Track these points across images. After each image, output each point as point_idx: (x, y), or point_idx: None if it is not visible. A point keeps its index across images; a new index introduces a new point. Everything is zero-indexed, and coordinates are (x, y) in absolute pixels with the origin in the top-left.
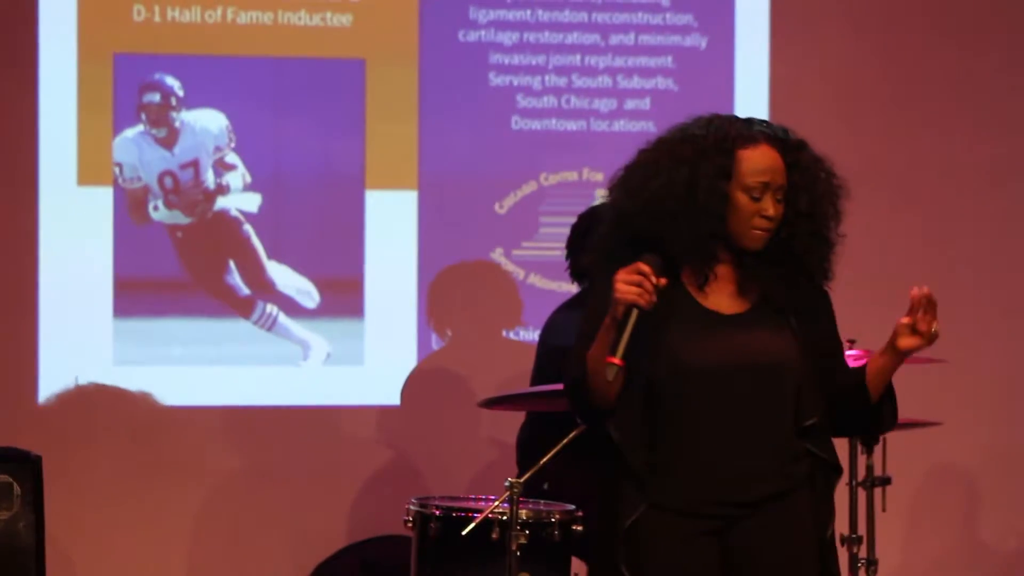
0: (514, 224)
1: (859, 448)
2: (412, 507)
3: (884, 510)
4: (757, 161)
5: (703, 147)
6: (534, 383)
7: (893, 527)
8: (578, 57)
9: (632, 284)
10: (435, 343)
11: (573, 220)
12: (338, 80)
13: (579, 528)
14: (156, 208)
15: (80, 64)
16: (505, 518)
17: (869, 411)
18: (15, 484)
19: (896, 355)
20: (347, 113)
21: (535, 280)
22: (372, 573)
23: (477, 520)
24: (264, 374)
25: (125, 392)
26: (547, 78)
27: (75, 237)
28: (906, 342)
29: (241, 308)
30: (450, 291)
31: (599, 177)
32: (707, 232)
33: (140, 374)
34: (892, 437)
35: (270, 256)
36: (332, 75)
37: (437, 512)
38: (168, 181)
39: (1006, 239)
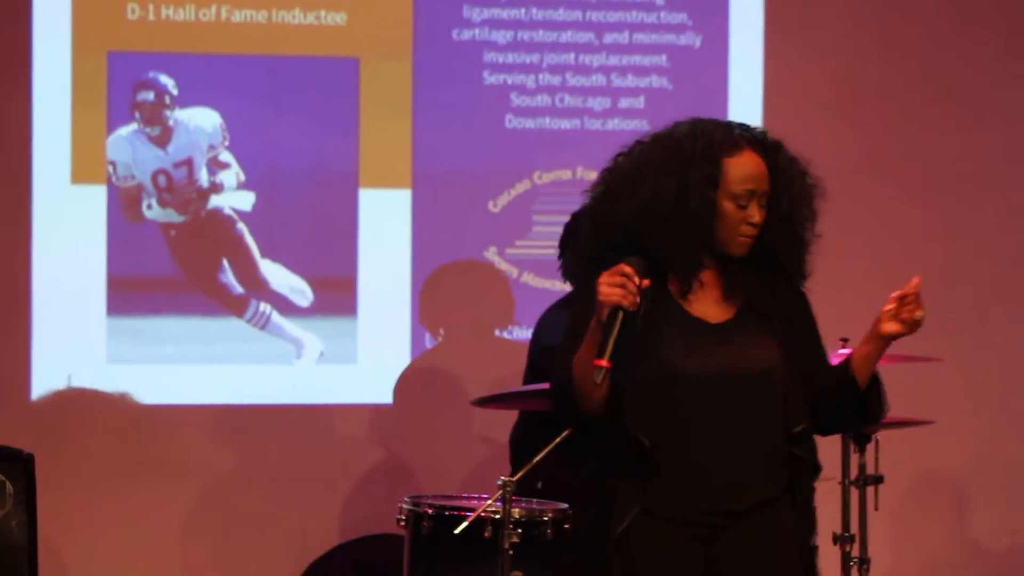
0: (508, 223)
1: (851, 447)
2: (405, 506)
3: (876, 509)
4: (743, 169)
5: (690, 155)
6: (527, 382)
7: (885, 526)
8: (572, 56)
9: (615, 286)
10: (428, 342)
11: (566, 219)
12: (332, 78)
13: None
14: (150, 206)
15: (74, 62)
16: (498, 517)
17: (857, 401)
18: (8, 483)
19: (880, 341)
20: (341, 111)
21: (528, 279)
22: (365, 572)
23: (470, 519)
24: (257, 373)
25: (118, 390)
26: (541, 77)
27: (68, 235)
28: (889, 327)
29: (234, 306)
30: (443, 290)
31: (593, 176)
32: (697, 240)
33: (133, 372)
34: (884, 436)
35: (263, 254)
36: (326, 73)
37: (430, 511)
38: (162, 179)
39: (1001, 237)
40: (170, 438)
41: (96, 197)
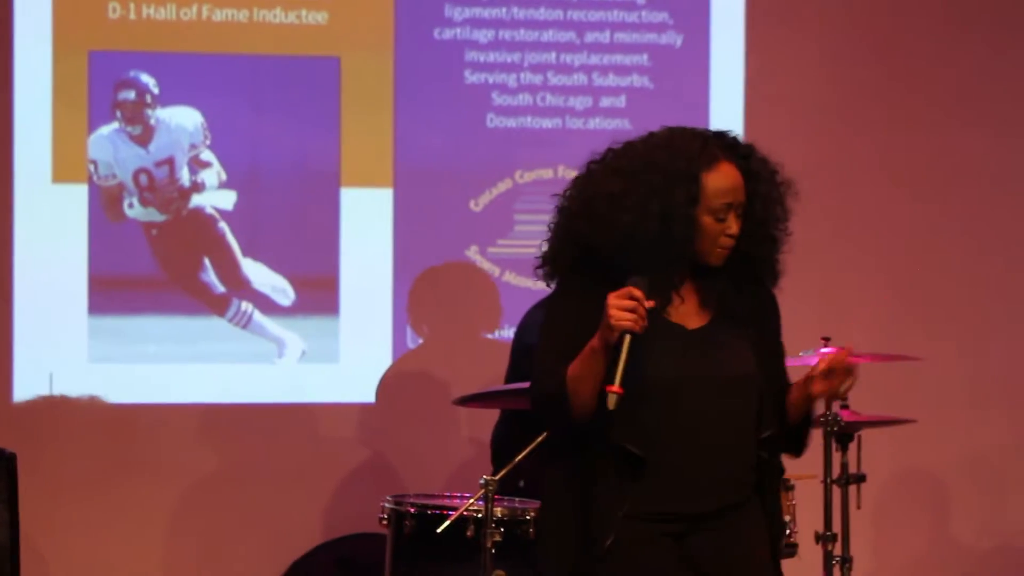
0: (489, 222)
1: (834, 445)
2: (387, 505)
3: (859, 508)
4: (721, 183)
5: (670, 175)
6: (509, 381)
7: (868, 525)
8: (553, 55)
9: (627, 310)
10: (410, 341)
11: (548, 218)
12: (313, 78)
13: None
14: (131, 205)
15: (55, 61)
16: (480, 516)
17: (786, 431)
18: None
19: (808, 395)
20: (322, 111)
21: (510, 278)
22: (347, 570)
23: (452, 518)
24: (239, 372)
25: (100, 389)
26: (522, 76)
27: (50, 234)
28: (818, 388)
29: (216, 306)
30: (427, 289)
31: (574, 175)
32: (681, 260)
33: (115, 371)
34: (867, 435)
35: (245, 253)
36: (307, 73)
37: (412, 510)
38: (143, 178)
39: (984, 240)
40: (152, 437)
41: (77, 196)
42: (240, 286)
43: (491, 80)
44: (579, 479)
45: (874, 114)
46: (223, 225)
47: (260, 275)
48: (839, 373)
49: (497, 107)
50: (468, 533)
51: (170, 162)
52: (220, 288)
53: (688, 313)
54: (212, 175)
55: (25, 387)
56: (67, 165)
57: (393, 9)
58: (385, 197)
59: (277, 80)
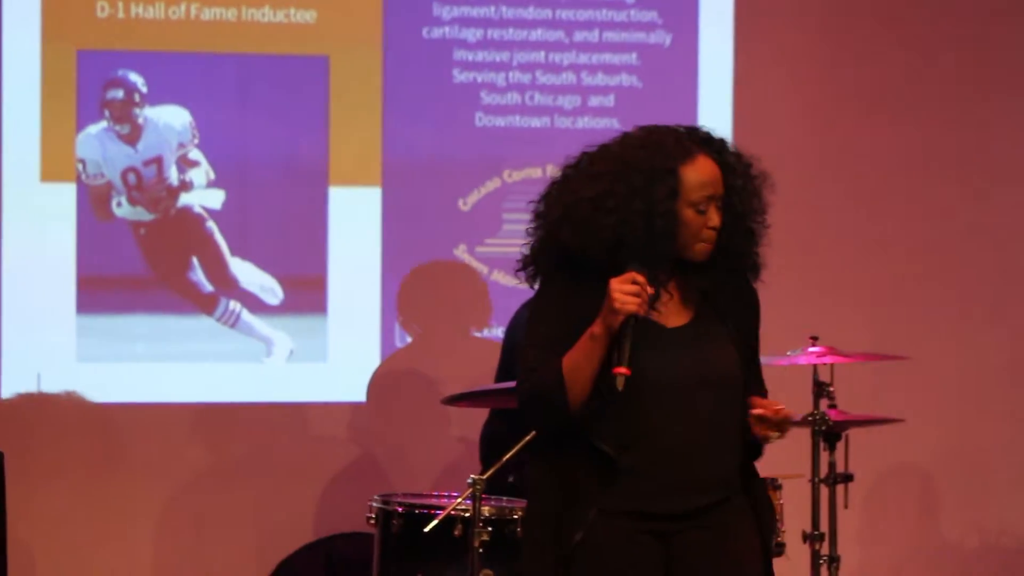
0: (477, 221)
1: (821, 445)
2: (375, 504)
3: (846, 507)
4: (700, 175)
5: (649, 171)
6: (498, 380)
7: (855, 524)
8: (542, 54)
9: (631, 295)
10: (399, 340)
11: None
12: (302, 77)
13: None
14: (119, 204)
15: (43, 60)
16: (468, 515)
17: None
18: None
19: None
20: (311, 110)
21: (499, 277)
22: (335, 569)
23: (439, 517)
24: (227, 371)
25: (88, 388)
26: (511, 75)
27: (38, 233)
28: (757, 430)
29: (204, 305)
30: (416, 288)
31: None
32: (665, 255)
33: (103, 370)
34: (854, 434)
35: (233, 253)
36: (296, 72)
37: (400, 509)
38: (131, 177)
39: (967, 237)
40: (140, 436)
41: (66, 195)
42: (228, 285)
43: (480, 79)
44: (560, 479)
45: (863, 112)
46: (211, 224)
47: (248, 274)
48: (769, 425)
49: (486, 106)
50: (456, 532)
51: (158, 161)
52: (208, 287)
53: (671, 311)
54: (200, 174)
55: (13, 386)
56: (55, 164)
57: (382, 8)
58: (373, 196)
59: (266, 79)
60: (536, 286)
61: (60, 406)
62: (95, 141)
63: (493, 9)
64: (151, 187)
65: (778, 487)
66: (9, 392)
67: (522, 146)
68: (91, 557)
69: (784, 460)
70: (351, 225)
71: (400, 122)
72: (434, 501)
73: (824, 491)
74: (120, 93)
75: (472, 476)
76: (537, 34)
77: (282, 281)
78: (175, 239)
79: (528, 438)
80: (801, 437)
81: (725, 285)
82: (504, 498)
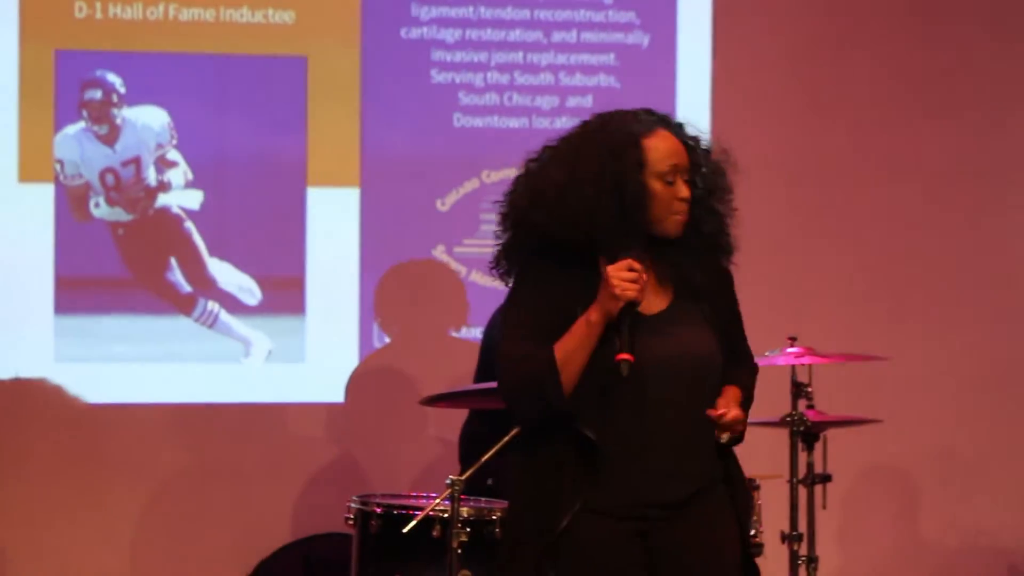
0: (456, 221)
1: (799, 445)
2: (353, 505)
3: (824, 507)
4: (664, 144)
5: (613, 147)
6: (477, 380)
7: (834, 524)
8: (520, 54)
9: (630, 281)
10: (377, 340)
11: None
12: (280, 77)
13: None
14: (97, 205)
15: (21, 60)
16: (446, 516)
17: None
18: None
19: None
20: (289, 110)
21: (477, 277)
22: (314, 570)
23: (418, 518)
24: (205, 371)
25: (66, 389)
26: (489, 75)
27: (16, 234)
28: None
29: (182, 305)
30: (394, 289)
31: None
32: (637, 231)
33: (81, 371)
34: (832, 434)
35: (211, 253)
36: (274, 72)
37: (378, 510)
38: (110, 178)
39: (948, 237)
40: (118, 437)
41: (44, 196)
42: (206, 286)
43: (458, 79)
44: (542, 471)
45: (841, 112)
46: (189, 225)
47: (226, 274)
48: (720, 427)
49: (464, 107)
50: (434, 533)
51: (136, 162)
52: (187, 288)
53: (649, 295)
54: (178, 175)
55: None
56: (33, 165)
57: (360, 8)
58: (352, 196)
59: (244, 79)
60: (510, 282)
61: (38, 406)
62: (73, 142)
63: (471, 9)
64: (129, 187)
65: (756, 487)
66: None
67: (500, 146)
68: (68, 558)
69: (762, 461)
70: (329, 225)
71: (378, 123)
72: (413, 502)
73: (802, 491)
74: (98, 93)
75: (451, 477)
76: (515, 34)
77: (260, 281)
78: (153, 240)
79: (507, 439)
80: (779, 437)
81: (698, 265)
82: (483, 499)
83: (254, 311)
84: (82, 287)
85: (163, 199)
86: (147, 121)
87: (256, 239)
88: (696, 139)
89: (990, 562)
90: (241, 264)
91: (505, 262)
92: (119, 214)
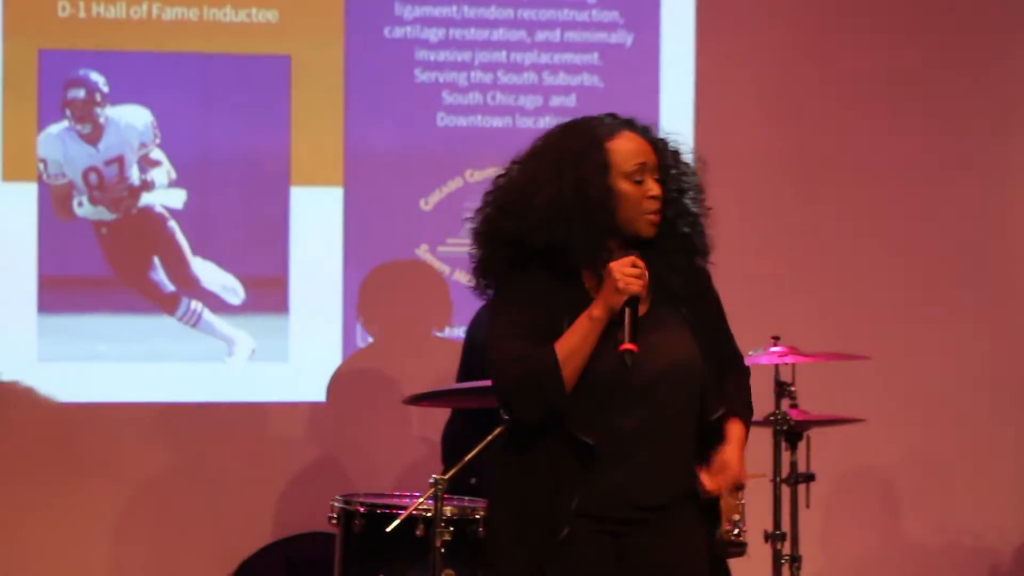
0: (439, 221)
1: (783, 444)
2: (336, 504)
3: (808, 507)
4: (627, 145)
5: (575, 151)
6: (460, 379)
7: (817, 523)
8: (504, 54)
9: (634, 276)
10: (360, 340)
11: None
12: (264, 76)
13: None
14: (81, 204)
15: (4, 59)
16: (430, 515)
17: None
18: None
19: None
20: (272, 109)
21: (460, 277)
22: (297, 570)
23: (401, 517)
24: (189, 370)
25: (49, 388)
26: (473, 74)
27: None
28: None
29: (166, 304)
30: (377, 288)
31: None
32: (602, 228)
33: (64, 370)
34: (816, 434)
35: (195, 252)
36: (258, 71)
37: (361, 509)
38: (93, 177)
39: (931, 237)
40: (101, 436)
41: (27, 195)
42: (190, 285)
43: (441, 79)
44: (530, 474)
45: (824, 111)
46: (173, 224)
47: (210, 274)
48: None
49: (447, 106)
50: (418, 532)
51: (120, 161)
52: (170, 287)
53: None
54: (162, 174)
55: None
56: (17, 164)
57: (343, 7)
58: (335, 196)
59: (227, 79)
60: (489, 293)
61: (20, 405)
62: (56, 141)
63: (455, 9)
64: (112, 187)
65: (740, 487)
66: None
67: (484, 146)
68: (50, 557)
69: (746, 460)
70: (312, 225)
71: (362, 122)
72: (396, 501)
73: (786, 491)
74: (81, 92)
75: (434, 476)
76: (499, 34)
77: (243, 281)
78: (136, 239)
79: (490, 438)
80: (763, 437)
81: (675, 269)
82: (466, 498)
83: (237, 310)
84: (65, 286)
85: (146, 198)
86: (130, 120)
87: (239, 238)
88: (664, 140)
89: (973, 562)
90: (224, 263)
91: (483, 279)
92: (102, 213)
